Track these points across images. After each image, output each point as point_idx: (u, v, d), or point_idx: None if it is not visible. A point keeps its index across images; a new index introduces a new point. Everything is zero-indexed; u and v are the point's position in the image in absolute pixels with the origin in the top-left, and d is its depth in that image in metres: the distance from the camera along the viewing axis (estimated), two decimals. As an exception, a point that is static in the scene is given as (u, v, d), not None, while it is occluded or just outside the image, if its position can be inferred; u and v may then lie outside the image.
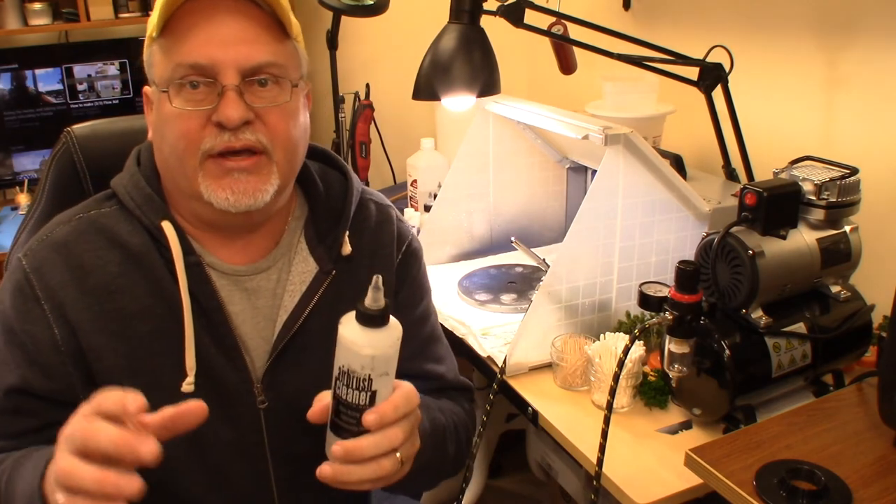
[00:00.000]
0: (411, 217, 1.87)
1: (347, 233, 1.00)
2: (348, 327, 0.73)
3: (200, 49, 0.85)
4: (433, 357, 1.09)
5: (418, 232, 1.77)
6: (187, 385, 0.91)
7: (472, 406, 1.14)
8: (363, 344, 0.72)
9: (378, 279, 0.73)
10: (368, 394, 0.74)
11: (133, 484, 0.68)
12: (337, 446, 0.76)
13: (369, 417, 0.76)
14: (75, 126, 1.15)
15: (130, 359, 0.91)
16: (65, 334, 0.90)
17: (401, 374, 0.83)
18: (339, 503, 1.04)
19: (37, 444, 0.90)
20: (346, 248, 0.99)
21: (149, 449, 0.68)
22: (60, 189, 1.11)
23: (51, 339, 0.89)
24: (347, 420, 0.76)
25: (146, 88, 0.94)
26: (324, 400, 0.80)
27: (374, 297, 0.72)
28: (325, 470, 0.79)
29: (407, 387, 0.81)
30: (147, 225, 0.92)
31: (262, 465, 0.97)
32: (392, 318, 0.75)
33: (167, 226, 0.92)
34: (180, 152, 0.87)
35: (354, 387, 0.74)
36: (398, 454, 0.80)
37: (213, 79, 0.86)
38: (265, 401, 0.95)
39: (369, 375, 0.73)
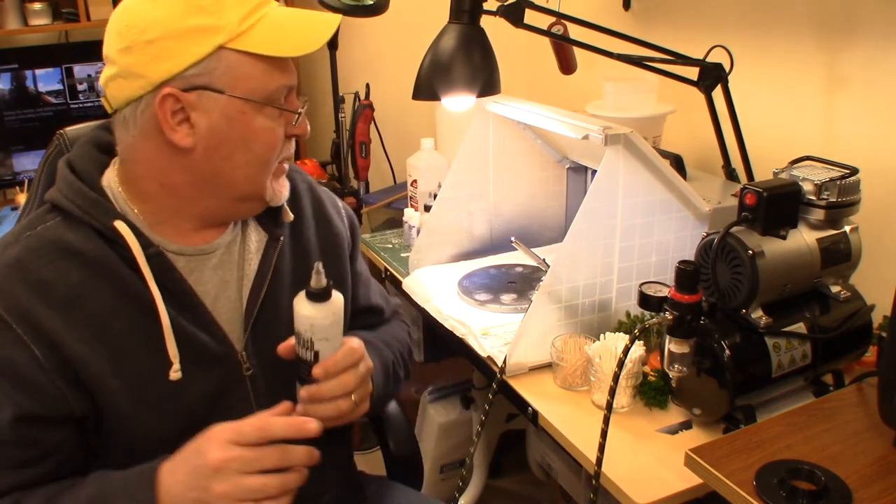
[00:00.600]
0: (411, 217, 1.87)
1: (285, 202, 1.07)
2: (298, 300, 0.93)
3: (291, 71, 0.96)
4: (377, 290, 1.28)
5: (418, 232, 1.77)
6: (174, 373, 0.94)
7: (404, 316, 1.36)
8: (305, 314, 0.92)
9: (319, 265, 0.91)
10: (312, 352, 0.94)
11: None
12: (303, 390, 0.96)
13: (316, 370, 0.94)
14: (68, 128, 1.15)
15: (113, 360, 0.91)
16: (45, 351, 0.88)
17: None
18: (329, 474, 1.08)
19: (46, 470, 0.90)
20: (288, 216, 1.08)
21: (313, 425, 0.91)
22: (53, 190, 1.11)
23: (32, 360, 0.88)
24: (303, 371, 0.96)
25: (180, 93, 0.90)
26: (291, 341, 0.96)
27: (316, 280, 0.92)
28: (297, 411, 0.95)
29: (349, 345, 0.97)
30: (98, 228, 0.93)
31: None
32: (335, 295, 0.93)
33: (120, 225, 0.92)
34: (266, 161, 0.97)
35: (302, 346, 0.94)
36: (353, 396, 0.97)
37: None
38: (250, 367, 1.00)
39: (311, 339, 0.93)
